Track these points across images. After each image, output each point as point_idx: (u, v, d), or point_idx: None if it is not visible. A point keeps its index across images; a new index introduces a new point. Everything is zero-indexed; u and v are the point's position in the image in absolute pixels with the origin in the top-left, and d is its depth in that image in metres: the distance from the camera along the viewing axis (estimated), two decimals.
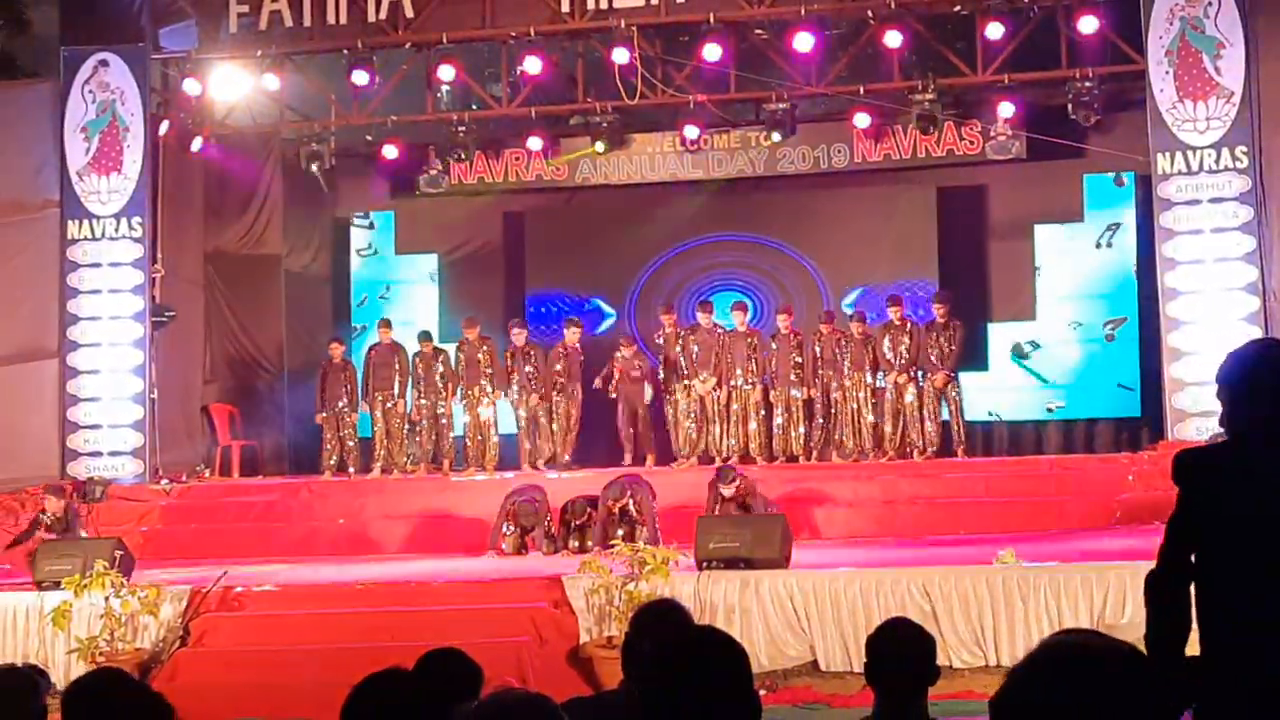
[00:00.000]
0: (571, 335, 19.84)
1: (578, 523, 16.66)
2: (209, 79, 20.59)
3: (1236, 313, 17.87)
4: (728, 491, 16.05)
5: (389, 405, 20.08)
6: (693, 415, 19.40)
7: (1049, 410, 20.98)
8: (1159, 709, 2.38)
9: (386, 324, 20.73)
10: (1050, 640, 2.49)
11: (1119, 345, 20.77)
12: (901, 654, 4.76)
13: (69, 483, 18.58)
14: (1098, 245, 21.00)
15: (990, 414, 20.87)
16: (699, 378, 19.38)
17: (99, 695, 3.91)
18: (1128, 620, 12.56)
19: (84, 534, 16.61)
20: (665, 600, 5.23)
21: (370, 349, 20.64)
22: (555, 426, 19.57)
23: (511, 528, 16.78)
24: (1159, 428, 18.70)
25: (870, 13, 19.33)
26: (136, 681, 3.80)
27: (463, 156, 21.47)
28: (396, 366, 20.17)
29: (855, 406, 19.12)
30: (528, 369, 19.66)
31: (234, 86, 20.77)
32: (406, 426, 20.20)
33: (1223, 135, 18.03)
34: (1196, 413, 17.71)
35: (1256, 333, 17.71)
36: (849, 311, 20.33)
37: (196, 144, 20.98)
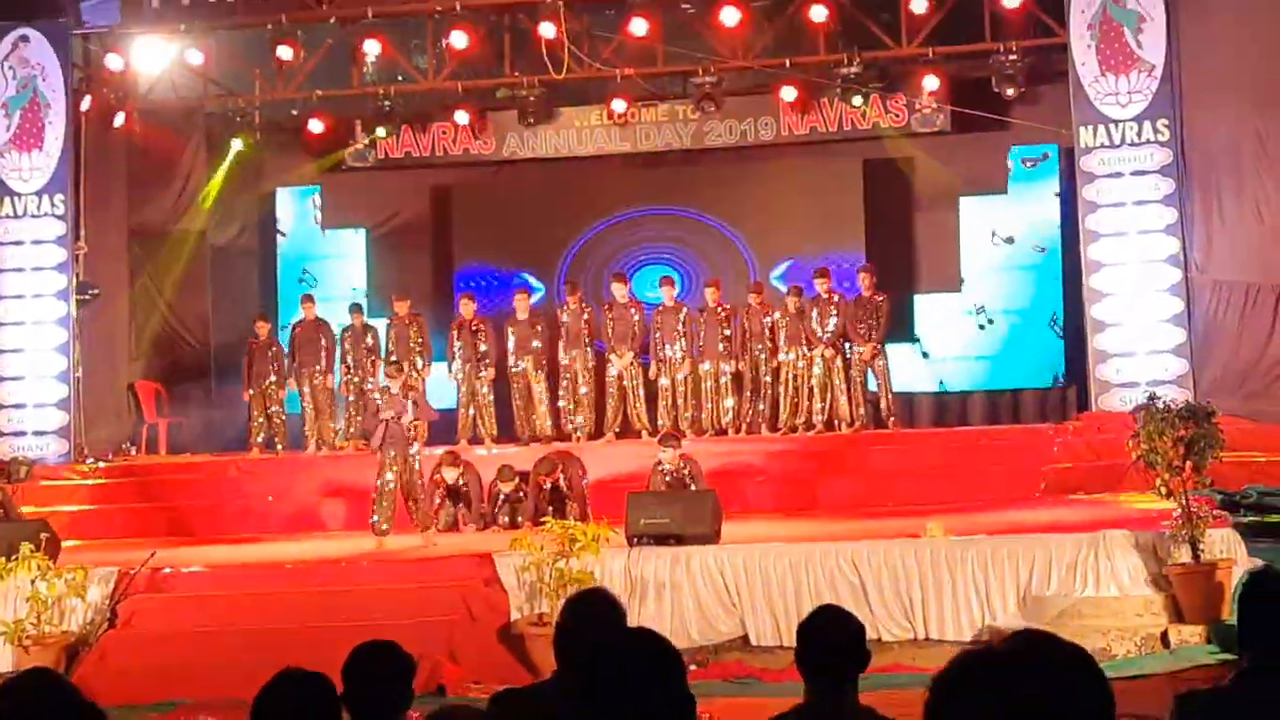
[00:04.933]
0: (521, 304, 19.84)
1: (507, 492, 16.64)
2: (131, 53, 20.37)
3: (1159, 284, 18.05)
4: (666, 456, 16.04)
5: (316, 382, 20.03)
6: (613, 391, 19.44)
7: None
8: (1102, 713, 2.40)
9: (310, 299, 20.66)
10: (983, 645, 2.50)
11: (1042, 316, 20.90)
12: (832, 642, 4.80)
13: None
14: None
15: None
16: (616, 353, 19.39)
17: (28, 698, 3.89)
18: (1053, 592, 12.74)
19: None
20: (595, 590, 5.23)
21: (294, 326, 20.58)
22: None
23: (442, 502, 16.80)
24: (1084, 398, 18.90)
25: None
26: (69, 684, 3.79)
27: (389, 131, 21.42)
28: (322, 343, 20.14)
29: (790, 380, 19.15)
30: (481, 347, 19.61)
31: (157, 61, 20.55)
32: (335, 402, 20.17)
33: (1144, 108, 18.18)
34: (1120, 383, 17.92)
35: (1179, 305, 17.92)
36: (780, 286, 20.38)
37: (119, 119, 20.77)
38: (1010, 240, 21.13)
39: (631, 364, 19.37)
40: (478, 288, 21.57)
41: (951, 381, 21.19)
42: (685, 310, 19.61)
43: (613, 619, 4.67)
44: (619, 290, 19.79)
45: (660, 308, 19.61)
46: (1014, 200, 21.14)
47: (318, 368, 20.04)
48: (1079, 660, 2.41)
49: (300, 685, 4.38)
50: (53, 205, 19.94)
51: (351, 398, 20.13)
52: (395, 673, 4.96)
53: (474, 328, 19.76)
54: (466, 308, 19.97)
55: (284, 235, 23.23)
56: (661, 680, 3.03)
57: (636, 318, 19.50)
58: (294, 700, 4.35)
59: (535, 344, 19.54)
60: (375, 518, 15.89)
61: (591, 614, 4.76)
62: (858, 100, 20.25)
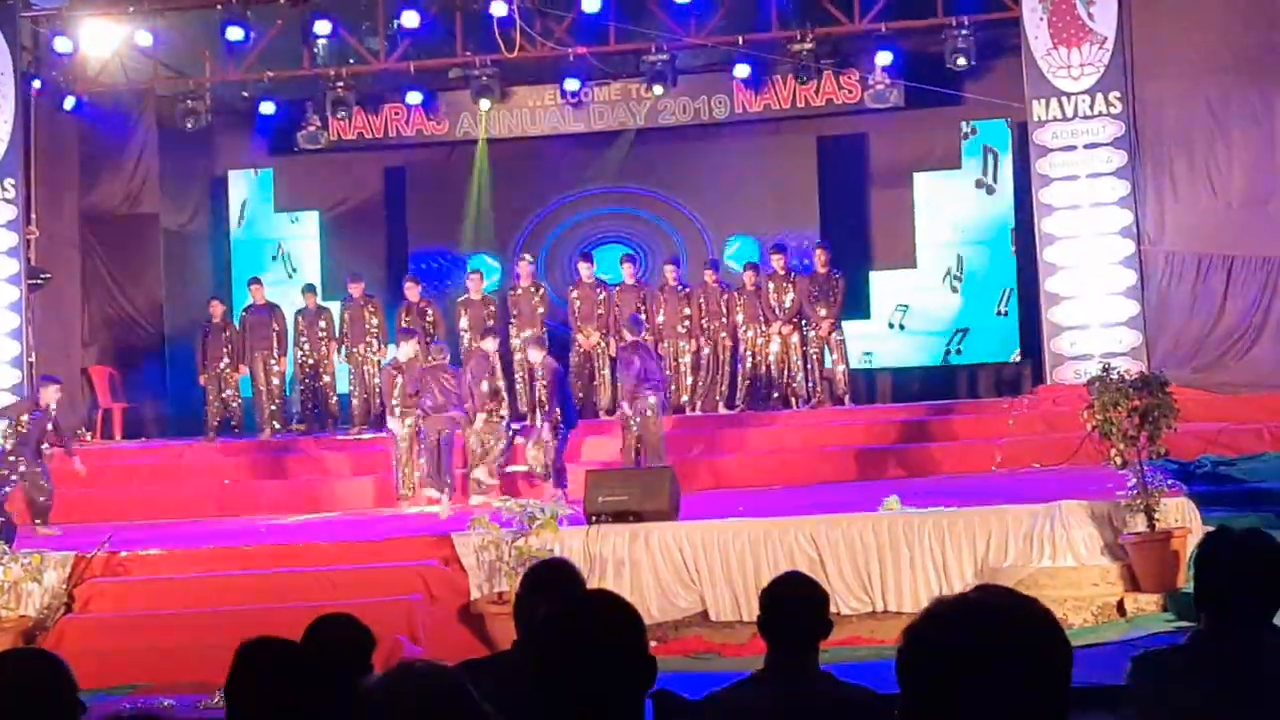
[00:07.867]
0: (474, 285, 19.83)
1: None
2: (80, 36, 20.22)
3: (1112, 257, 18.14)
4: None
5: (269, 365, 19.95)
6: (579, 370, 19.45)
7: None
8: (1060, 663, 2.41)
9: (258, 282, 20.56)
10: (953, 595, 2.52)
11: (996, 289, 20.92)
12: (795, 608, 4.81)
13: None
14: (978, 186, 21.08)
15: (865, 356, 20.87)
16: (583, 332, 19.41)
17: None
18: (1010, 563, 12.78)
19: None
20: (556, 559, 5.24)
21: (245, 309, 20.48)
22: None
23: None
24: (1039, 372, 18.97)
25: None
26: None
27: (341, 113, 21.29)
28: (274, 326, 20.06)
29: (748, 357, 19.19)
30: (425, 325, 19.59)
31: (106, 43, 20.43)
32: (289, 385, 20.11)
33: (1096, 81, 18.25)
34: (1074, 356, 18.00)
35: (1132, 277, 18.00)
36: (735, 264, 20.41)
37: (69, 102, 20.63)
38: None
39: (599, 344, 19.38)
40: (431, 270, 21.52)
41: (910, 358, 21.21)
42: (645, 289, 19.63)
43: (573, 587, 4.67)
44: (585, 269, 19.77)
45: (621, 286, 19.61)
46: (968, 175, 21.13)
47: (271, 350, 19.96)
48: (1040, 609, 2.45)
49: (277, 650, 4.33)
50: (3, 189, 19.78)
51: (306, 380, 20.09)
52: (353, 643, 4.94)
53: (421, 309, 19.70)
54: (412, 290, 19.89)
55: (238, 218, 23.01)
56: (620, 639, 3.02)
57: (602, 297, 19.50)
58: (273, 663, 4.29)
59: (489, 324, 19.50)
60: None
61: (552, 582, 4.76)
62: (810, 77, 20.21)
